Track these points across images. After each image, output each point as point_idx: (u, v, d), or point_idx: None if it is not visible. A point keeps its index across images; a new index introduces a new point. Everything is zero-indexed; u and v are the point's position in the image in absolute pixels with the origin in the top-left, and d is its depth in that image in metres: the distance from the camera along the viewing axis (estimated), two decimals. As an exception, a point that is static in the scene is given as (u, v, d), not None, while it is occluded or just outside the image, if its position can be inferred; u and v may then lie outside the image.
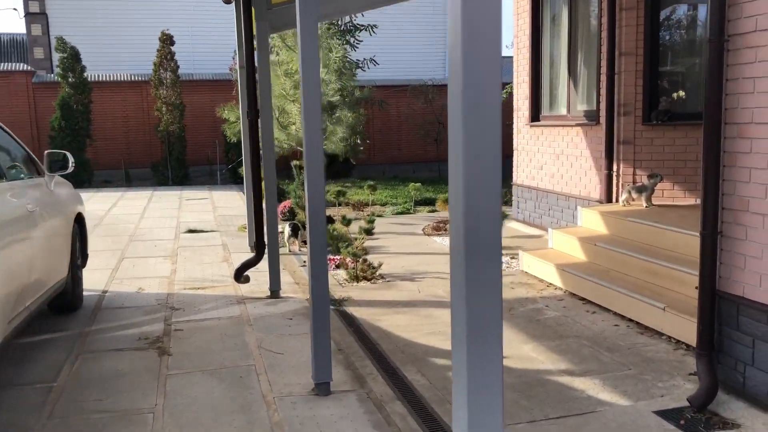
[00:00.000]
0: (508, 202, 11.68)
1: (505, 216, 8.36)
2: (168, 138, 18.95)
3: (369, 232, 7.71)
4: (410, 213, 13.14)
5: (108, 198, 15.52)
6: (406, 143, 22.49)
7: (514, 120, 10.76)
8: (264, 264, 7.08)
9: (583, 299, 6.63)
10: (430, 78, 21.53)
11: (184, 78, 19.56)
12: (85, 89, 18.57)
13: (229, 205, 14.65)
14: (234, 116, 12.65)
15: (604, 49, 8.22)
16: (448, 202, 10.05)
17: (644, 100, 8.04)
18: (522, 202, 10.60)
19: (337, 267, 8.11)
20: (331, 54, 11.84)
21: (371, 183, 13.70)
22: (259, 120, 6.98)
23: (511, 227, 10.64)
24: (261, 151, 7.19)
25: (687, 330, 5.15)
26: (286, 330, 5.95)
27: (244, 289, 7.28)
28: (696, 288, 4.36)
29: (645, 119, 8.04)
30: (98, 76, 19.62)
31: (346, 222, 8.25)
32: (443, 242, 9.76)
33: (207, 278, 7.86)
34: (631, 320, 5.93)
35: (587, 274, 6.65)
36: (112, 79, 19.96)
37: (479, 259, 2.32)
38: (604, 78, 8.24)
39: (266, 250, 7.05)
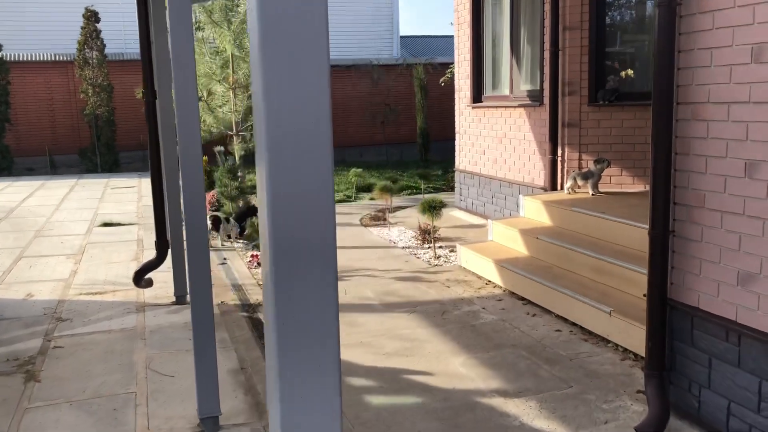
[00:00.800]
0: (450, 189, 11.04)
1: (443, 205, 7.67)
2: (96, 122, 17.75)
3: None
4: (350, 201, 12.40)
5: (26, 188, 14.36)
6: (353, 126, 21.67)
7: (456, 101, 10.08)
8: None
9: (523, 299, 6.00)
10: (376, 57, 20.73)
11: (112, 58, 18.33)
12: (2, 69, 17.22)
13: (157, 194, 13.65)
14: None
15: (547, 23, 7.56)
16: (383, 190, 9.32)
17: (590, 78, 7.42)
18: (465, 189, 9.96)
19: (258, 266, 7.33)
20: (245, 26, 10.92)
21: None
22: (156, 101, 6.13)
23: (453, 216, 10.00)
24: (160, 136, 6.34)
25: (635, 338, 4.55)
26: (185, 344, 5.17)
27: (147, 294, 6.45)
28: (644, 296, 3.73)
29: (591, 99, 7.43)
30: (17, 55, 18.24)
31: None
32: (380, 234, 9.04)
33: (110, 281, 7.00)
34: (574, 324, 5.32)
35: (528, 271, 6.02)
36: (33, 59, 18.58)
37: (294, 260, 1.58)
38: (547, 55, 7.60)
39: (170, 250, 6.22)
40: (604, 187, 7.24)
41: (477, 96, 9.52)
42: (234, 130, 11.72)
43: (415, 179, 13.90)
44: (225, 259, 7.99)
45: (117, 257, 8.05)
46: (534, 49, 8.17)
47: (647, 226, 3.62)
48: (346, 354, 4.89)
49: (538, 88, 7.96)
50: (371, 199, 12.52)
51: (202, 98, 11.92)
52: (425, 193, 12.85)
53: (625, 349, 4.75)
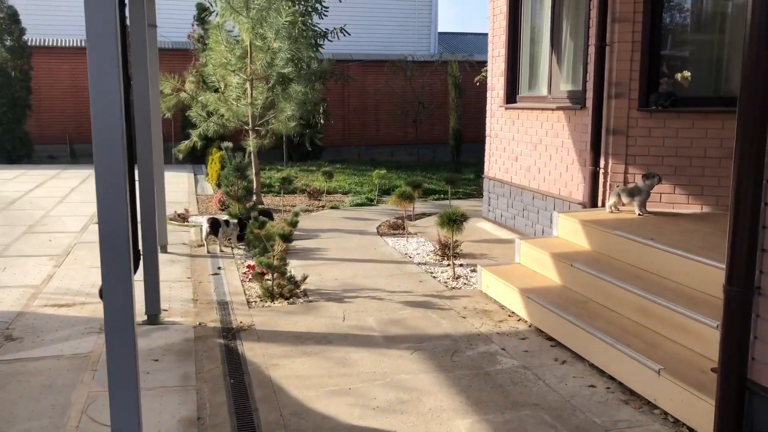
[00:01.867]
0: (481, 195, 10.07)
1: (465, 218, 6.71)
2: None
3: (286, 238, 6.10)
4: (372, 205, 11.49)
5: (38, 177, 13.80)
6: (384, 124, 20.78)
7: (488, 101, 9.11)
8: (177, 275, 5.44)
9: (551, 339, 5.03)
10: (410, 53, 19.77)
11: (138, 45, 17.70)
12: (24, 54, 16.75)
13: (171, 189, 12.92)
14: (169, 87, 10.97)
15: (594, 14, 6.55)
16: (402, 197, 8.39)
17: (642, 79, 6.39)
18: (493, 199, 8.97)
19: (253, 279, 6.48)
20: (280, 18, 10.12)
21: (327, 169, 12.04)
22: (131, 89, 5.31)
23: (479, 228, 9.02)
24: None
25: (693, 408, 3.56)
26: (142, 379, 4.32)
27: (118, 310, 5.64)
28: (713, 371, 2.75)
29: (642, 104, 6.41)
30: (42, 40, 17.78)
31: (291, 222, 6.66)
32: (396, 245, 8.12)
33: (84, 290, 6.22)
34: (612, 379, 4.33)
35: (559, 306, 5.04)
36: (58, 44, 18.10)
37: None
38: (592, 50, 6.58)
39: (141, 261, 5.39)
40: (652, 207, 6.22)
41: (511, 96, 8.53)
42: (250, 124, 10.92)
43: (444, 183, 12.94)
44: (220, 268, 7.16)
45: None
46: (577, 43, 7.16)
47: (709, 262, 2.65)
48: (327, 404, 3.99)
49: (581, 88, 6.95)
50: (393, 202, 11.59)
51: (219, 89, 11.15)
52: (453, 198, 11.89)
53: (677, 420, 3.75)
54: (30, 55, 16.95)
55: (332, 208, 10.95)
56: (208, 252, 7.81)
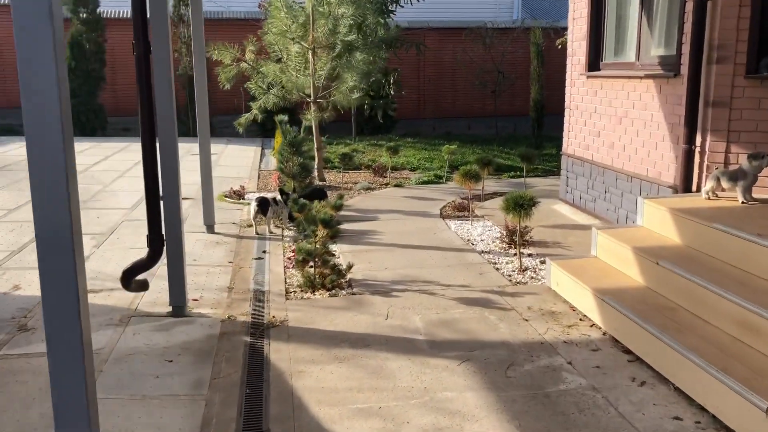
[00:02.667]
0: (557, 173, 9.15)
1: (533, 203, 5.90)
2: (189, 83, 16.97)
3: (328, 223, 5.46)
4: (440, 182, 10.73)
5: (106, 150, 13.75)
6: (461, 95, 19.83)
7: (567, 68, 8.16)
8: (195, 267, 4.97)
9: (629, 353, 4.21)
10: (491, 20, 18.66)
11: (210, 17, 17.43)
12: (98, 26, 16.76)
13: (235, 163, 12.66)
14: (229, 57, 10.50)
15: (695, -38, 5.53)
16: (467, 176, 7.60)
17: (751, 40, 5.36)
18: (572, 179, 8.06)
19: (295, 266, 5.91)
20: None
21: (392, 145, 11.34)
22: (151, 56, 4.79)
23: (556, 211, 8.14)
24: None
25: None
26: (149, 384, 3.84)
27: (145, 299, 5.20)
28: None
29: (750, 69, 5.38)
30: (115, 12, 17.77)
31: (335, 205, 6.08)
32: (459, 230, 7.38)
33: (116, 274, 5.78)
34: (704, 410, 3.50)
35: (640, 313, 4.21)
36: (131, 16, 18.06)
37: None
38: (690, 6, 5.57)
39: (165, 247, 4.90)
40: (759, 193, 5.22)
41: (594, 62, 7.56)
42: (312, 96, 10.34)
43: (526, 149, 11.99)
44: (264, 252, 6.64)
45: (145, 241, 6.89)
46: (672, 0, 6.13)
47: None
48: (350, 428, 3.36)
49: (674, 53, 5.95)
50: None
51: (282, 59, 10.61)
52: (530, 176, 10.99)
53: (790, 477, 2.91)
54: (104, 27, 16.96)
55: (396, 186, 10.27)
56: (257, 233, 7.30)
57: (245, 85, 10.79)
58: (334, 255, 5.92)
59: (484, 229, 7.35)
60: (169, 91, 4.88)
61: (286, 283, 5.70)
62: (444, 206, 8.69)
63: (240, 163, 12.50)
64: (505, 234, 6.76)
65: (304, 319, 4.86)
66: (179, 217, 4.96)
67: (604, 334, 4.52)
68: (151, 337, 4.52)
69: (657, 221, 5.21)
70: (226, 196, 9.22)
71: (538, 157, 13.23)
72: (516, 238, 6.37)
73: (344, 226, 7.37)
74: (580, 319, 4.78)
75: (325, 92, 10.53)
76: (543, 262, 6.05)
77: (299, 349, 4.33)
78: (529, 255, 6.34)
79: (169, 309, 4.93)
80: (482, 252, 6.51)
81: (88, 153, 13.36)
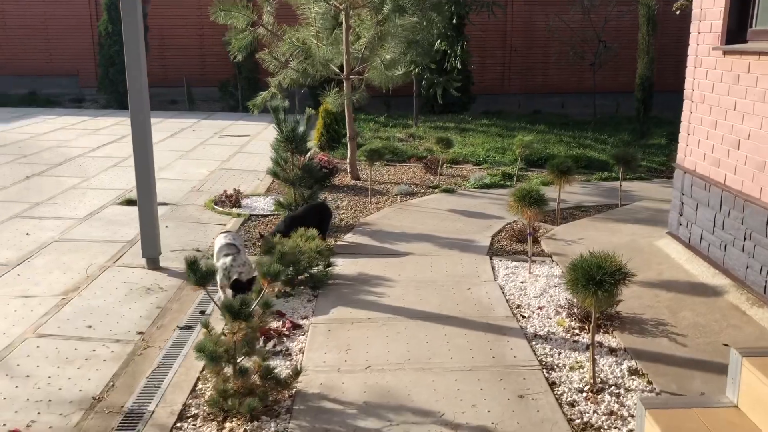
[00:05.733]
0: (666, 175, 6.46)
1: (623, 278, 3.35)
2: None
3: (266, 304, 3.20)
4: (507, 185, 8.18)
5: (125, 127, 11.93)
6: (554, 68, 16.89)
7: (691, 39, 5.41)
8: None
9: None
10: (593, -22, 15.52)
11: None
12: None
13: (263, 150, 10.51)
14: (243, 21, 8.29)
15: None
16: (525, 201, 4.94)
17: None
18: (689, 207, 5.37)
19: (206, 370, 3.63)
20: None
21: (442, 137, 8.79)
22: None
23: (660, 251, 5.48)
24: None
25: None
26: None
27: None
28: None
29: None
30: (161, -31, 15.94)
31: (321, 251, 3.84)
32: (507, 283, 4.92)
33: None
34: None
35: None
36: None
37: None
38: None
39: None
40: None
41: (736, 31, 4.81)
42: (345, 71, 7.97)
43: (623, 148, 9.25)
44: (203, 313, 4.44)
45: (37, 290, 4.84)
46: None
47: None
48: None
49: None
50: (541, 183, 8.20)
51: (311, 23, 8.26)
52: (628, 178, 8.25)
53: None
54: (148, -10, 15.17)
55: (445, 191, 7.80)
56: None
57: (257, 56, 8.54)
58: (266, 354, 3.61)
59: (548, 284, 4.84)
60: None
61: (193, 392, 3.47)
62: (499, 231, 6.20)
63: (261, 150, 10.29)
64: (575, 304, 4.25)
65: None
66: None
67: None
68: None
69: None
70: (215, 203, 7.08)
71: (642, 149, 10.39)
72: (589, 322, 3.84)
73: (341, 265, 5.11)
74: None
75: (363, 66, 8.14)
76: (635, 373, 3.53)
77: None
78: (612, 352, 3.82)
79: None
80: (535, 336, 4.03)
81: (109, 132, 11.58)
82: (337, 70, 8.18)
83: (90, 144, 10.15)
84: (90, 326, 4.16)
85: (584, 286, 3.30)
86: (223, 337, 3.24)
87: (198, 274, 3.19)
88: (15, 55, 16.58)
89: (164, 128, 12.06)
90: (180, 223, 6.42)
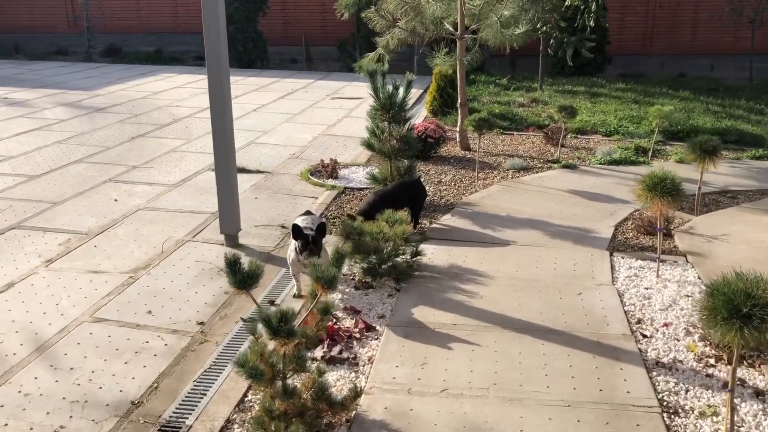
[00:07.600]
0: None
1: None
2: (358, 10, 14.42)
3: (326, 311, 2.69)
4: (640, 163, 7.19)
5: (241, 87, 11.77)
6: (703, 26, 15.11)
7: None
8: None
9: None
10: None
11: None
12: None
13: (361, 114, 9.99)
14: (350, -24, 7.71)
15: None
16: (657, 191, 4.09)
17: None
18: None
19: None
20: None
21: (564, 105, 7.79)
22: None
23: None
24: None
25: None
26: None
27: None
28: None
29: None
30: None
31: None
32: (628, 288, 4.12)
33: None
34: None
35: None
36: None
37: None
38: None
39: None
40: None
41: None
42: (460, 29, 7.22)
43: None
44: (272, 303, 4.00)
45: (123, 254, 4.58)
46: None
47: None
48: None
49: None
50: (679, 160, 7.15)
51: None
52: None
53: None
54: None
55: (566, 167, 6.94)
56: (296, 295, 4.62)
57: (362, 15, 7.94)
58: (322, 367, 3.10)
59: (679, 293, 4.00)
60: None
61: (240, 404, 3.03)
62: (625, 220, 5.33)
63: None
64: (713, 325, 3.40)
65: None
66: None
67: None
68: None
69: None
70: (311, 173, 6.65)
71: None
72: (732, 359, 3.00)
73: (431, 254, 4.53)
74: None
75: (479, 24, 7.34)
76: (788, 434, 2.71)
77: None
78: (759, 395, 2.99)
79: None
80: (656, 365, 3.26)
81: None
82: (451, 29, 7.43)
83: (200, 104, 10.04)
84: (150, 312, 3.83)
85: (725, 320, 2.51)
86: (269, 348, 2.76)
87: (238, 276, 2.70)
88: (144, 14, 17.01)
89: (277, 88, 11.81)
90: (271, 195, 6.04)
